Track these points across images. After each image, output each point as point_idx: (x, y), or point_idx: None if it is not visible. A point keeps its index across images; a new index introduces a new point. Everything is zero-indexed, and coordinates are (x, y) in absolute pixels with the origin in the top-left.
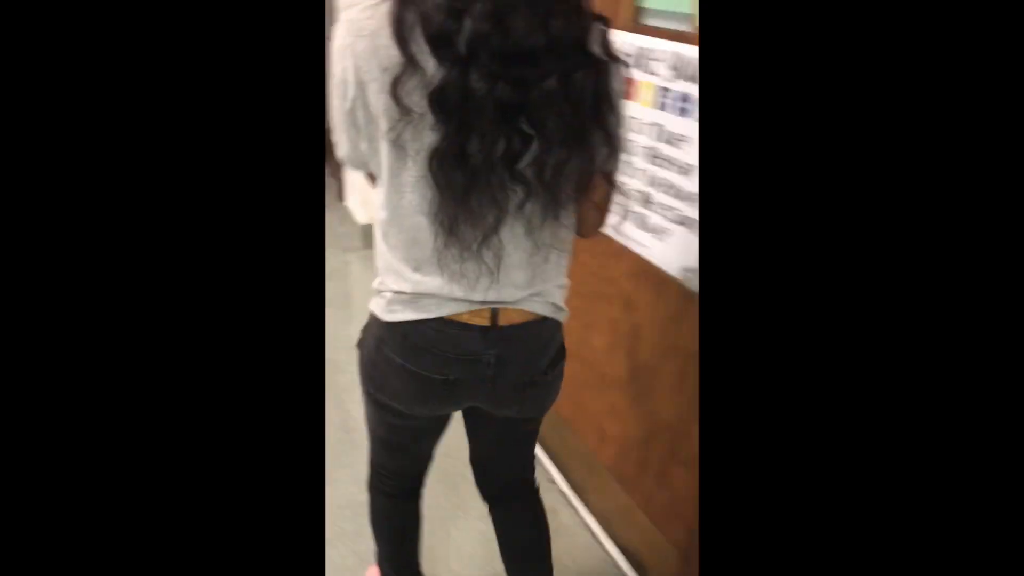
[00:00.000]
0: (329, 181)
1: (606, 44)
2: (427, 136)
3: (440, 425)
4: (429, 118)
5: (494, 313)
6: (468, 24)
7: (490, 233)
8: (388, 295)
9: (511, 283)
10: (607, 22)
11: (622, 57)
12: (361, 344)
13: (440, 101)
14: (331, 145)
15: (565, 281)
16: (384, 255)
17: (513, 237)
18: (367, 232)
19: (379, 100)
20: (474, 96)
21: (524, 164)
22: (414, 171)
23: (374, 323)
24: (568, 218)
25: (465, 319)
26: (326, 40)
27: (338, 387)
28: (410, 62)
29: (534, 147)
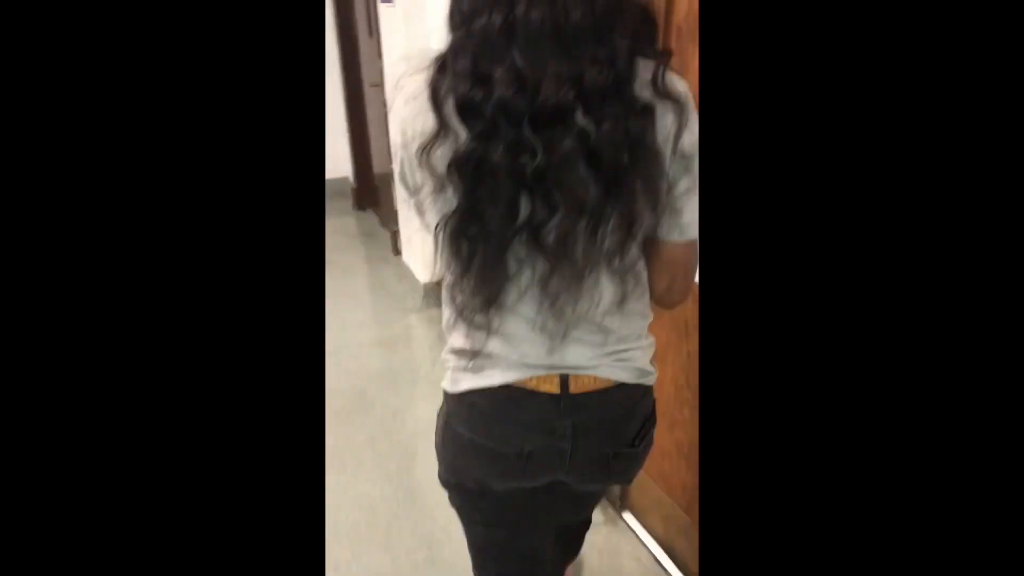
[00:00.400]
0: (383, 232)
1: (660, 85)
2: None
3: (537, 513)
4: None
5: (564, 379)
6: (493, 91)
7: (486, 305)
8: (452, 363)
9: (532, 350)
10: (665, 57)
11: (680, 96)
12: (437, 427)
13: (457, 172)
14: (369, 192)
15: (647, 341)
16: (448, 308)
17: (526, 308)
18: (430, 291)
19: (416, 164)
20: (491, 167)
21: (548, 233)
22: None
23: (444, 401)
24: (603, 288)
25: (532, 386)
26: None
27: (411, 478)
28: (442, 128)
29: (559, 215)
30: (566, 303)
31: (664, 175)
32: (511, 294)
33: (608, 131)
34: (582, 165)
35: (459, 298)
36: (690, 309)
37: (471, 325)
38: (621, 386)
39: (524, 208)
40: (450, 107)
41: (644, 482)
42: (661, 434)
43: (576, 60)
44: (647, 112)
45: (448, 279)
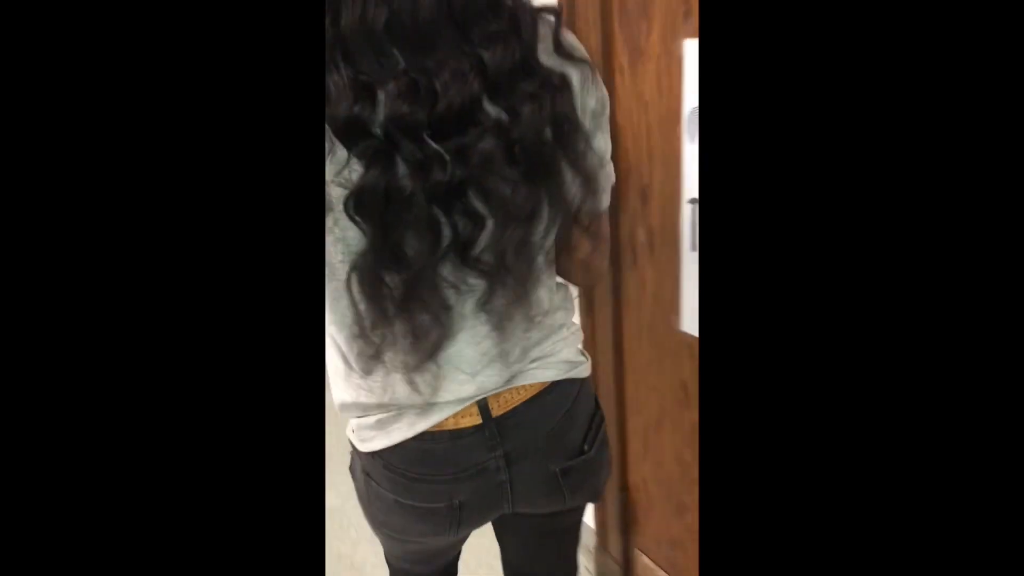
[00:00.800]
0: None
1: (560, 45)
2: (349, 229)
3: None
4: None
5: (483, 405)
6: (381, 106)
7: (433, 353)
8: (354, 421)
9: (473, 375)
10: (558, 14)
11: (583, 55)
12: (351, 471)
13: (358, 209)
14: None
15: (570, 329)
16: (332, 358)
17: (472, 334)
18: None
19: None
20: (400, 195)
21: (480, 249)
22: (341, 261)
23: (356, 455)
24: (544, 287)
25: (450, 425)
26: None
27: None
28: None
29: (489, 227)
30: (511, 320)
31: (589, 145)
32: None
33: (529, 117)
34: (504, 164)
35: (387, 353)
36: (687, 369)
37: (405, 376)
38: (550, 387)
39: (446, 227)
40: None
41: (649, 571)
42: (668, 520)
43: (474, 42)
44: (565, 83)
45: (351, 329)
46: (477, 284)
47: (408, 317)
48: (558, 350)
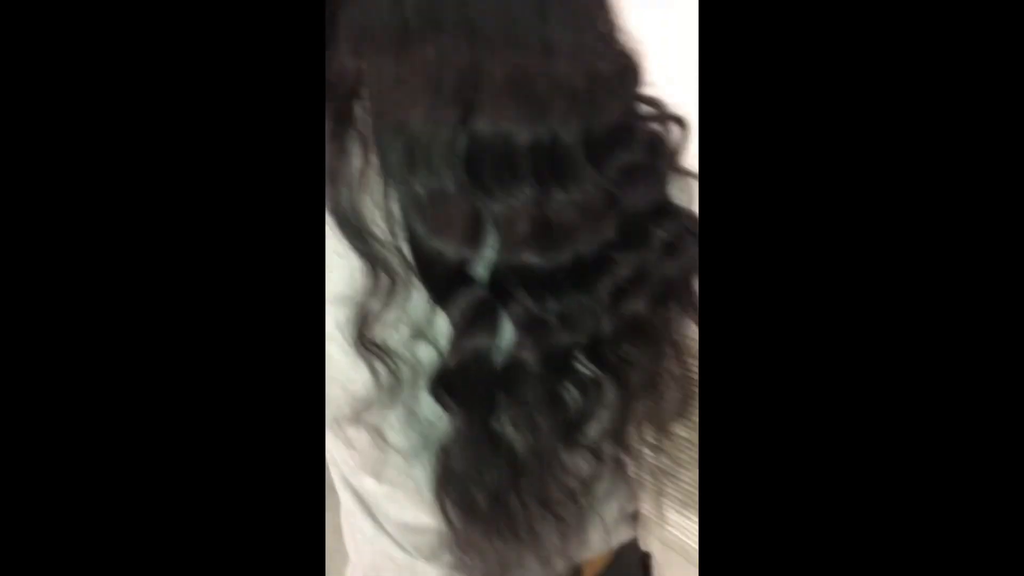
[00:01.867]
0: None
1: (675, 161)
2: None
3: None
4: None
5: (576, 570)
6: (490, 245)
7: (572, 556)
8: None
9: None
10: (685, 125)
11: (685, 167)
12: None
13: (454, 384)
14: None
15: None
16: (367, 539)
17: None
18: None
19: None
20: (519, 368)
21: (589, 428)
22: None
23: None
24: None
25: None
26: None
27: None
28: (392, 284)
29: (607, 397)
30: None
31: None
32: None
33: (664, 270)
34: (644, 330)
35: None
36: None
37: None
38: (628, 547)
39: (550, 412)
40: (390, 249)
41: None
42: None
43: (608, 175)
44: (696, 226)
45: (367, 484)
46: (586, 468)
47: (521, 523)
48: (624, 503)
